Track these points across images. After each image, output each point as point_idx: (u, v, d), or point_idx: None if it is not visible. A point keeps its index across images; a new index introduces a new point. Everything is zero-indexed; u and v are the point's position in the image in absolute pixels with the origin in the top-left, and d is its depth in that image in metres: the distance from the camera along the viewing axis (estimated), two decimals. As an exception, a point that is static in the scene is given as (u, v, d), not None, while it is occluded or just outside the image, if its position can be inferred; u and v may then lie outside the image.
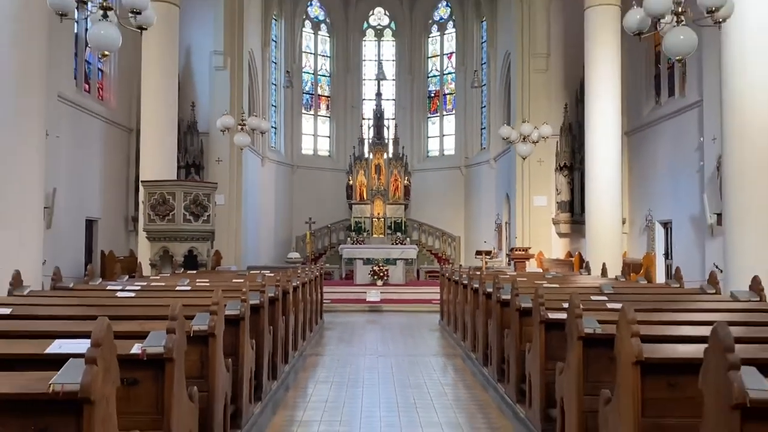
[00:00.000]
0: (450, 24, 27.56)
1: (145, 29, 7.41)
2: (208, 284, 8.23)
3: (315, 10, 27.60)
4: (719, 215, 12.08)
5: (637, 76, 17.70)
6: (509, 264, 18.69)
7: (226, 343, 5.17)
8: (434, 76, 28.25)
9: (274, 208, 24.29)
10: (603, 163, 14.56)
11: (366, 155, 24.55)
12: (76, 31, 15.48)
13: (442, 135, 27.80)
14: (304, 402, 7.01)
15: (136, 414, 3.55)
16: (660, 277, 15.62)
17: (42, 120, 9.16)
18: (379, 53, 28.42)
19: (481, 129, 25.80)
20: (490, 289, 8.47)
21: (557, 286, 8.63)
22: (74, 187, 14.92)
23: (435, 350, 10.76)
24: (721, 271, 9.58)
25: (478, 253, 18.82)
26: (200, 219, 12.80)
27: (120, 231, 17.74)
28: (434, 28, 28.05)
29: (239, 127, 15.60)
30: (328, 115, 28.07)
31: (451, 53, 27.61)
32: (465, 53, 26.83)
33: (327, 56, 28.11)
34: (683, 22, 6.71)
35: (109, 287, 7.76)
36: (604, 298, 6.57)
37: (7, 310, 5.14)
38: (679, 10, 6.73)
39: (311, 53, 27.71)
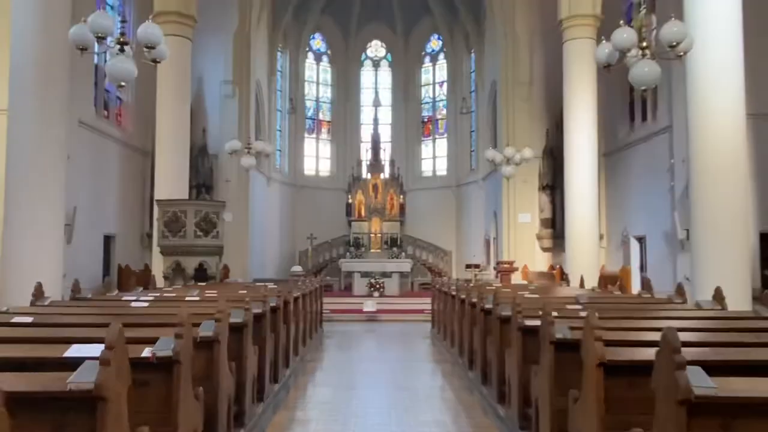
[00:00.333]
0: (441, 55, 27.73)
1: (159, 62, 7.53)
2: (216, 295, 8.14)
3: (317, 43, 27.81)
4: (689, 231, 12.16)
5: (613, 102, 17.73)
6: (496, 276, 18.69)
7: (230, 349, 5.15)
8: (427, 102, 28.37)
9: (279, 224, 24.28)
10: (581, 183, 14.55)
11: (364, 176, 24.66)
12: (96, 61, 15.60)
13: (434, 157, 27.85)
14: (303, 403, 7.02)
15: (147, 412, 3.53)
16: (636, 288, 15.61)
17: (64, 145, 9.26)
18: (376, 82, 28.55)
19: (471, 151, 25.84)
20: (475, 300, 8.46)
21: (538, 296, 8.60)
22: (93, 206, 14.96)
23: (426, 356, 10.73)
24: (689, 281, 9.64)
25: (468, 266, 18.93)
26: (210, 235, 12.80)
27: (135, 246, 17.70)
28: (427, 58, 28.21)
29: (246, 150, 15.70)
30: (329, 138, 28.18)
31: (443, 82, 27.77)
32: (455, 82, 26.99)
33: (328, 85, 28.29)
34: (648, 56, 6.86)
35: (124, 298, 7.74)
36: (579, 307, 6.54)
37: (29, 319, 5.14)
38: (644, 44, 6.86)
39: (313, 82, 27.89)
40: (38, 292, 6.74)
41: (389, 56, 28.50)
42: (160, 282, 12.27)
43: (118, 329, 2.84)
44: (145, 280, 13.19)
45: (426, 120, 28.30)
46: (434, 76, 28.12)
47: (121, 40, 7.10)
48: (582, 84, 14.54)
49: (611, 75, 8.62)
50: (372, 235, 23.66)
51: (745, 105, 9.14)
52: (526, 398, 5.40)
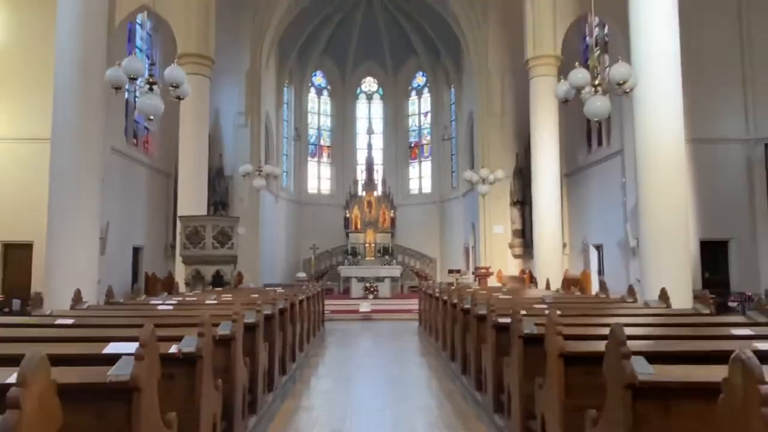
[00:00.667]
0: (426, 90, 27.87)
1: (182, 99, 7.59)
2: (231, 299, 8.10)
3: (318, 80, 27.93)
4: (639, 240, 12.25)
5: (572, 130, 17.88)
6: (475, 280, 18.74)
7: (244, 345, 5.14)
8: (413, 130, 28.47)
9: (285, 236, 24.24)
10: (546, 199, 14.63)
11: (360, 193, 24.70)
12: (126, 96, 15.64)
13: (420, 177, 27.91)
14: (308, 392, 6.97)
15: (174, 400, 3.52)
16: (594, 289, 15.68)
17: (99, 170, 9.28)
18: (369, 113, 28.65)
19: (452, 172, 25.94)
20: (456, 300, 8.45)
21: (510, 297, 8.53)
22: (124, 221, 14.93)
23: (414, 350, 10.66)
24: (639, 282, 9.71)
25: (451, 271, 19.00)
26: (226, 246, 12.75)
27: (160, 256, 17.65)
28: (413, 93, 28.34)
29: (257, 172, 15.75)
30: (329, 161, 28.22)
31: (427, 112, 27.89)
32: (437, 112, 27.13)
33: (328, 115, 28.38)
34: (600, 92, 6.95)
35: (151, 302, 7.71)
36: (545, 306, 6.54)
37: (70, 321, 5.15)
38: (596, 82, 6.96)
39: (315, 113, 27.98)
40: (77, 297, 6.72)
41: (380, 91, 28.64)
42: (182, 288, 12.23)
43: (151, 329, 2.87)
44: (169, 286, 13.16)
45: (413, 145, 28.38)
46: (419, 108, 28.26)
47: (150, 80, 7.15)
48: (546, 114, 14.66)
49: (570, 107, 8.71)
50: (367, 245, 23.66)
51: (684, 131, 9.22)
52: (500, 385, 5.41)
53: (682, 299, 8.03)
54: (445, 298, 9.57)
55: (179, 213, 13.71)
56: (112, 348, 3.55)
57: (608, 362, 2.92)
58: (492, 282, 17.42)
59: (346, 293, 20.49)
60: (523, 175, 18.48)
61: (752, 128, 13.73)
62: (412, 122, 28.46)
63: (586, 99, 6.98)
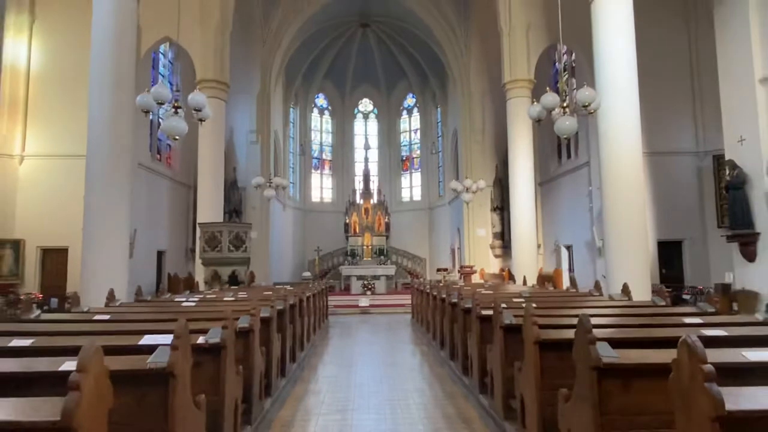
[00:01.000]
0: (415, 109, 27.94)
1: (204, 121, 7.65)
2: (246, 296, 8.15)
3: (320, 101, 27.97)
4: (604, 241, 12.34)
5: (545, 144, 18.00)
6: (460, 277, 18.80)
7: (261, 336, 5.17)
8: (405, 145, 28.53)
9: (292, 240, 24.23)
10: (523, 205, 14.64)
11: (358, 201, 24.67)
12: (150, 117, 15.68)
13: (411, 186, 27.93)
14: (315, 377, 6.99)
15: (202, 384, 3.59)
16: (565, 285, 15.74)
17: (128, 183, 9.25)
18: (366, 130, 28.68)
19: (439, 182, 25.99)
20: (444, 296, 8.54)
21: (491, 292, 8.60)
22: (149, 228, 14.92)
23: (408, 340, 10.63)
24: (605, 278, 9.80)
25: (439, 270, 19.06)
26: (240, 249, 12.81)
27: (181, 259, 17.61)
28: (404, 112, 28.40)
29: (267, 183, 15.80)
30: (330, 173, 28.23)
31: (417, 129, 27.94)
32: (426, 129, 27.20)
33: (329, 132, 28.42)
34: (567, 113, 7.07)
35: (175, 299, 7.75)
36: (522, 300, 6.63)
37: (107, 316, 5.20)
38: (565, 104, 7.08)
39: (318, 130, 28.02)
40: (111, 296, 6.77)
41: (375, 110, 28.68)
42: (201, 286, 12.27)
43: (184, 323, 2.94)
44: (190, 285, 13.16)
45: (404, 158, 28.42)
46: (410, 125, 28.32)
47: (175, 105, 7.22)
48: (521, 131, 14.72)
49: (543, 125, 8.83)
50: (364, 247, 23.67)
51: (642, 146, 9.31)
52: (484, 369, 5.46)
53: (641, 293, 8.13)
54: (435, 293, 9.63)
55: (199, 220, 13.71)
56: (146, 340, 3.59)
57: (577, 347, 3.00)
58: (475, 279, 17.48)
59: (346, 290, 20.48)
60: (502, 185, 18.58)
61: (701, 142, 13.92)
62: (404, 138, 28.51)
63: (556, 119, 7.09)
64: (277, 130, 21.60)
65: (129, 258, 9.75)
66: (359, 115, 28.77)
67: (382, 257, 22.78)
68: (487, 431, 4.67)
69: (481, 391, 5.60)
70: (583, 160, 15.20)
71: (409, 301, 14.81)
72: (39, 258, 13.33)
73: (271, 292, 8.65)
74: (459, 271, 19.37)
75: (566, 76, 15.24)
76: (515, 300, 6.61)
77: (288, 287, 10.88)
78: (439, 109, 25.84)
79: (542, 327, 3.82)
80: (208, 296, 8.42)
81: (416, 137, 28.03)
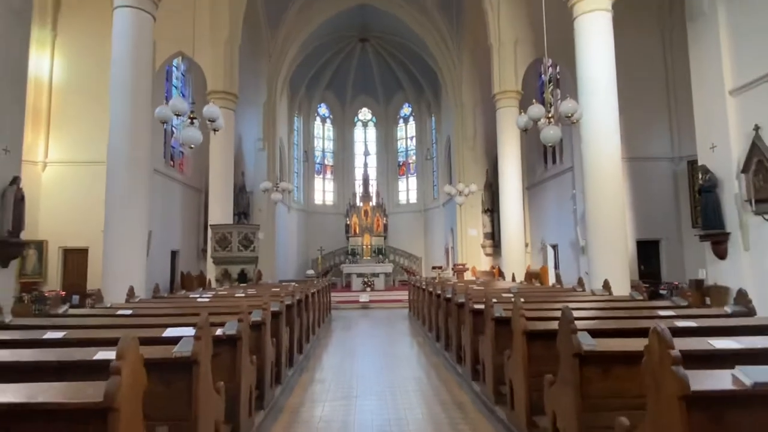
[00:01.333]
0: (411, 118, 27.94)
1: (217, 131, 7.72)
2: (255, 292, 8.22)
3: (323, 110, 27.97)
4: (587, 240, 12.41)
5: (532, 150, 17.96)
6: (453, 274, 18.87)
7: (271, 329, 5.23)
8: (402, 151, 28.52)
9: (297, 240, 24.21)
10: (511, 207, 14.74)
11: (358, 204, 24.70)
12: (165, 126, 15.70)
13: (407, 190, 27.92)
14: (320, 367, 7.02)
15: (221, 372, 3.66)
16: (551, 281, 15.85)
17: (145, 188, 9.30)
18: (365, 137, 28.65)
19: (433, 186, 26.01)
20: (439, 291, 8.60)
21: (483, 288, 8.73)
22: (163, 229, 14.91)
23: (405, 332, 10.65)
24: (587, 275, 9.89)
25: (434, 267, 19.13)
26: (248, 249, 12.86)
27: (193, 258, 17.59)
28: (401, 120, 28.38)
29: (275, 188, 15.85)
30: (332, 178, 28.20)
31: (412, 137, 27.93)
32: (421, 137, 27.22)
33: (331, 139, 28.42)
34: (552, 122, 7.17)
35: (190, 296, 7.80)
36: (511, 295, 6.61)
37: (129, 311, 5.27)
38: (550, 114, 7.18)
39: (320, 138, 28.02)
40: (131, 293, 6.82)
41: (374, 119, 28.68)
42: (213, 284, 12.29)
43: (206, 317, 3.02)
44: (202, 282, 13.23)
45: (401, 164, 28.42)
46: (406, 133, 28.31)
47: (191, 116, 7.30)
48: (510, 139, 14.82)
49: (529, 133, 8.91)
50: (364, 247, 23.70)
51: (622, 151, 9.39)
52: (476, 358, 5.52)
53: (621, 288, 8.20)
54: (431, 289, 9.68)
55: (210, 222, 13.76)
56: (169, 332, 3.68)
57: (560, 337, 3.10)
58: (468, 276, 17.54)
59: (347, 287, 20.54)
60: (492, 188, 18.62)
61: (677, 148, 14.05)
62: (401, 145, 28.53)
63: (541, 128, 7.18)
64: (282, 138, 21.63)
65: (146, 257, 9.79)
66: (359, 124, 28.77)
67: (380, 256, 22.81)
68: (479, 415, 4.75)
69: (473, 378, 5.66)
70: (567, 165, 15.27)
71: (407, 297, 14.91)
72: (61, 258, 13.36)
73: (278, 289, 8.72)
74: (453, 269, 19.43)
75: (551, 88, 15.36)
76: (504, 295, 6.67)
77: (293, 284, 10.92)
78: (433, 117, 25.89)
79: (529, 319, 3.90)
80: (220, 293, 8.46)
81: (412, 144, 28.04)
